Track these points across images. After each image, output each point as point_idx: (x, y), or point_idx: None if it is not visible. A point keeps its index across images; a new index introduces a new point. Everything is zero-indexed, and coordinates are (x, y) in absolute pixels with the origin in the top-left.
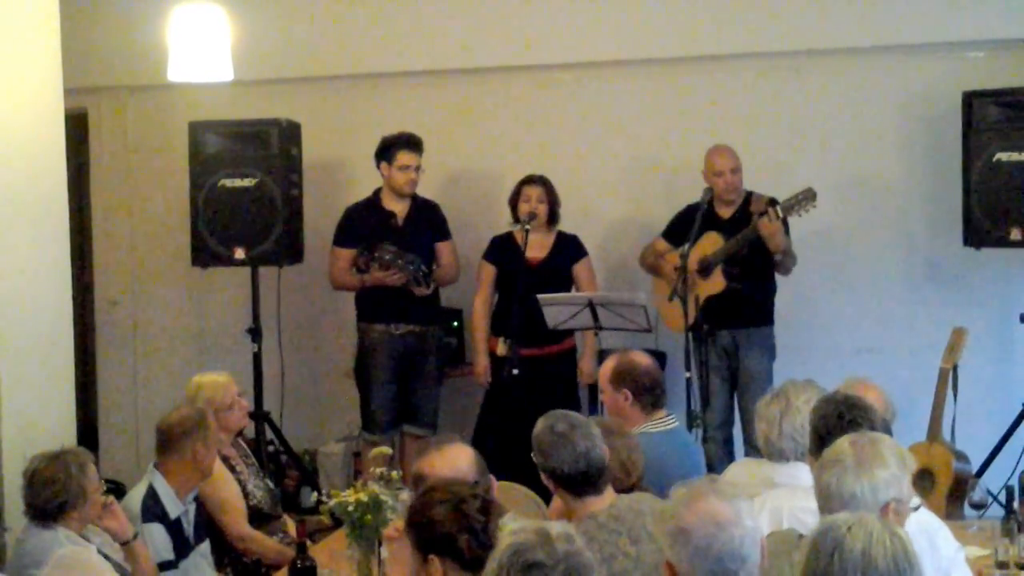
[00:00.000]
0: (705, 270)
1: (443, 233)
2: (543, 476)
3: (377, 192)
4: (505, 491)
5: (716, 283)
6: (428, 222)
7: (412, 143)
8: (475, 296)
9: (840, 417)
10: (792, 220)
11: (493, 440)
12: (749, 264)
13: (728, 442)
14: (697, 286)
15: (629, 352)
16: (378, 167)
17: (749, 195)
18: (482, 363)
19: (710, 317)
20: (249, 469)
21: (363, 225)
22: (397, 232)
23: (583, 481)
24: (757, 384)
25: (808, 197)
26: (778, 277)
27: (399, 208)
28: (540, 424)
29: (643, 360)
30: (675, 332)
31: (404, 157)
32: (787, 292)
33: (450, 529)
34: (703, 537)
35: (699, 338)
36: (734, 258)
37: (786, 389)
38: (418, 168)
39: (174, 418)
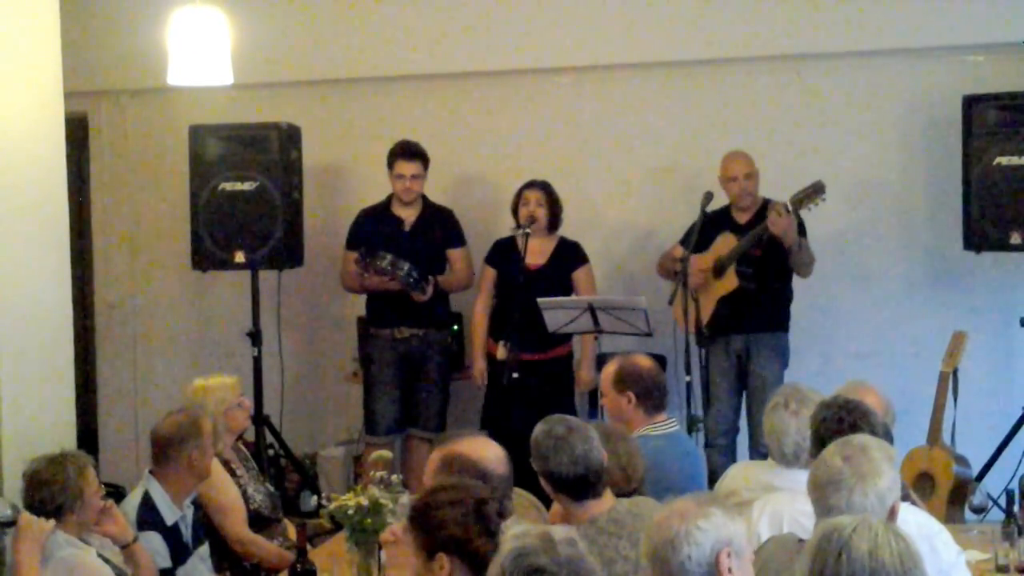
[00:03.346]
0: (719, 270)
1: (456, 240)
2: (542, 481)
3: (389, 197)
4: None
5: (729, 282)
6: (438, 229)
7: (407, 152)
8: (476, 299)
9: (840, 421)
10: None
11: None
12: (763, 265)
13: (731, 449)
14: (712, 287)
15: (631, 355)
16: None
17: (767, 202)
18: (479, 366)
19: (723, 320)
20: (249, 473)
21: (371, 230)
22: (403, 238)
23: (582, 485)
24: (768, 391)
25: (817, 190)
26: (795, 282)
27: (407, 214)
28: (538, 429)
29: (646, 363)
30: (688, 334)
31: (399, 166)
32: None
33: (468, 531)
34: (654, 523)
35: (705, 341)
36: (747, 257)
37: (797, 393)
38: (414, 176)
39: (167, 426)
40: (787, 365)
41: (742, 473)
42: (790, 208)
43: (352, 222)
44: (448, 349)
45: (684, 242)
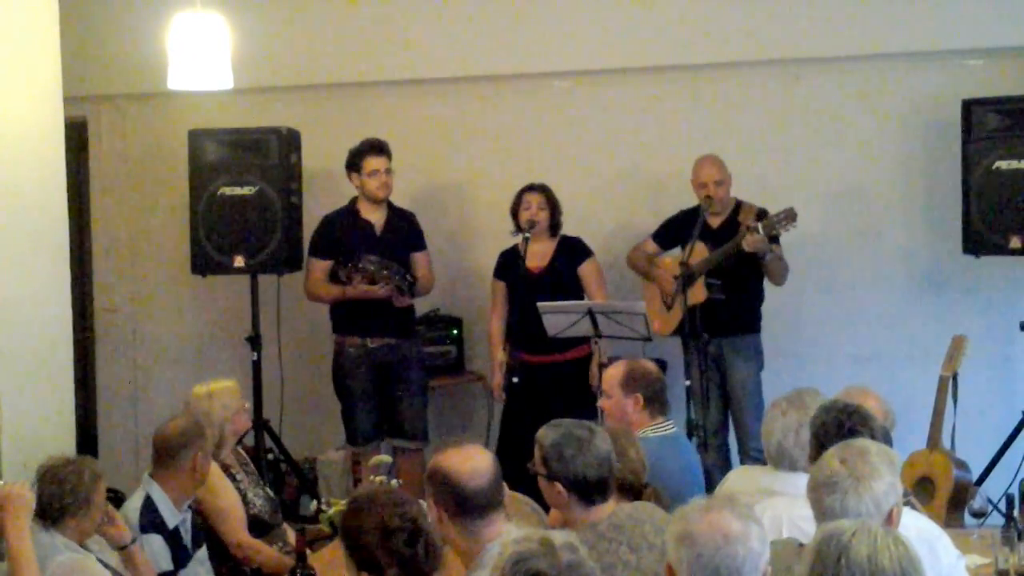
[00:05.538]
0: (689, 279)
1: (419, 244)
2: (557, 486)
3: (353, 201)
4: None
5: (698, 293)
6: (405, 232)
7: (377, 148)
8: (491, 313)
9: (840, 425)
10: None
11: (511, 448)
12: (732, 274)
13: (723, 448)
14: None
15: (637, 358)
16: (350, 179)
17: (739, 204)
18: (497, 380)
19: (696, 325)
20: (249, 478)
21: (341, 235)
22: (376, 243)
23: (599, 488)
24: (744, 392)
25: (789, 216)
26: (766, 285)
27: (376, 218)
28: (553, 433)
29: (652, 366)
30: (661, 336)
31: (372, 162)
32: (787, 300)
33: (379, 557)
34: (707, 546)
35: (692, 346)
36: (716, 270)
37: (797, 397)
38: (387, 171)
39: (172, 430)
40: (762, 366)
41: (742, 477)
42: (761, 231)
43: (317, 228)
44: (423, 356)
45: (657, 237)
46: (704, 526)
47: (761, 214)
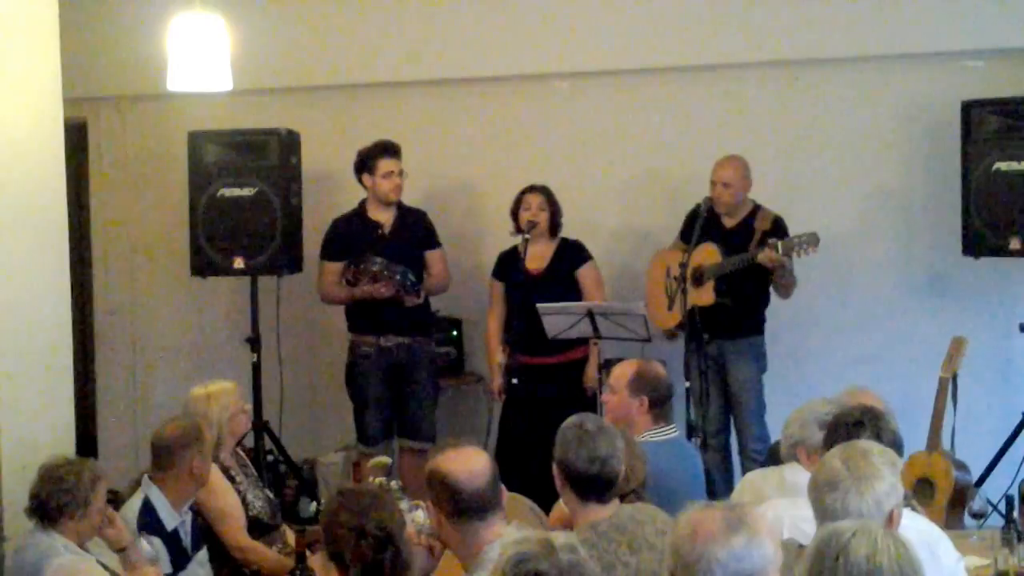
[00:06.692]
0: (697, 280)
1: (432, 242)
2: (555, 468)
3: (362, 203)
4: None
5: (706, 295)
6: (415, 231)
7: (390, 150)
8: (488, 314)
9: (845, 426)
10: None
11: (510, 449)
12: (738, 277)
13: (724, 449)
14: (689, 294)
15: (647, 360)
16: (360, 181)
17: (757, 209)
18: (497, 382)
19: (696, 325)
20: (248, 479)
21: (350, 237)
22: (384, 243)
23: (591, 486)
24: (745, 394)
25: (811, 241)
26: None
27: (385, 218)
28: (572, 419)
29: (662, 371)
30: (664, 328)
31: (386, 164)
32: (787, 302)
33: (346, 555)
34: (677, 534)
35: (694, 346)
36: (727, 276)
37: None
38: (400, 173)
39: (170, 432)
40: (765, 368)
41: (758, 476)
42: (780, 250)
43: (327, 232)
44: (436, 357)
45: (684, 236)
46: (687, 517)
47: (777, 221)
